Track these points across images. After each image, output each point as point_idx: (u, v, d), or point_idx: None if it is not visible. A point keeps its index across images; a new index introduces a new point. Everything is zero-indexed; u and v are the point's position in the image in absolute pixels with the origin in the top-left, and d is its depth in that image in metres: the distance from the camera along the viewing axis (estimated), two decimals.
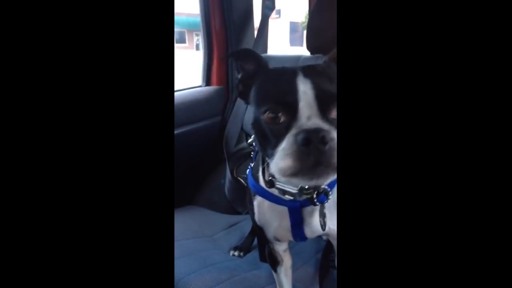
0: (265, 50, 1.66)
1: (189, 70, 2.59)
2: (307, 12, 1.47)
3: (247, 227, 1.23)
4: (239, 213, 1.42)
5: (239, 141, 1.58)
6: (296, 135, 0.52)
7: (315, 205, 0.68)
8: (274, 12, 1.56)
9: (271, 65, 0.65)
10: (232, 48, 1.61)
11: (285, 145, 0.53)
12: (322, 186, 0.68)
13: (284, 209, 0.71)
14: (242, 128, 1.56)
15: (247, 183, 0.85)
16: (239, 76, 0.70)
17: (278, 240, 0.80)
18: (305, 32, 1.26)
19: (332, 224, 0.72)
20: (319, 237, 0.82)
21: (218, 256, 1.09)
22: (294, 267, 0.92)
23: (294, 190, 0.68)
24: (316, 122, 0.54)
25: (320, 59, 1.19)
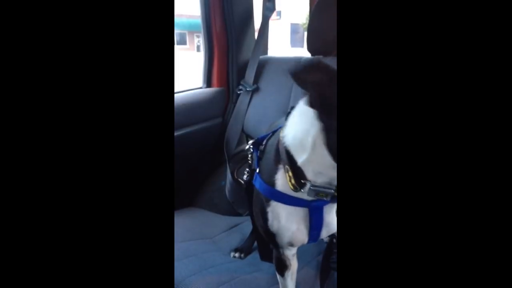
0: (266, 52, 1.66)
1: (190, 71, 2.59)
2: (308, 13, 1.48)
3: (247, 228, 1.23)
4: (239, 215, 1.42)
5: (239, 142, 1.58)
6: None
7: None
8: (274, 13, 1.56)
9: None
10: (232, 50, 1.61)
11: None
12: None
13: (301, 212, 0.71)
14: (242, 130, 1.55)
15: (247, 188, 0.85)
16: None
17: (292, 245, 0.78)
18: (305, 33, 1.25)
19: None
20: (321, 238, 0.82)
21: (219, 258, 1.09)
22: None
23: (331, 189, 0.67)
24: None
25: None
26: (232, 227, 1.31)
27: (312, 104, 0.60)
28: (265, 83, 1.53)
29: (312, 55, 1.27)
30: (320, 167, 0.64)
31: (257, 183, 0.75)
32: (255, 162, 0.81)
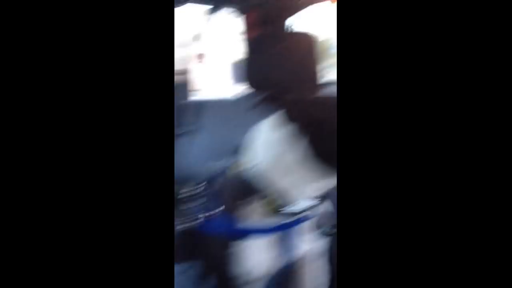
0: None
1: None
2: (245, 49, 1.51)
3: None
4: None
5: None
6: None
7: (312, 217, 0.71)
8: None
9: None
10: None
11: None
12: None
13: (272, 238, 0.71)
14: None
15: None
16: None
17: (261, 278, 0.74)
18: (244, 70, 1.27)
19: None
20: None
21: None
22: None
23: (311, 206, 0.70)
24: None
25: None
26: None
27: (294, 118, 0.62)
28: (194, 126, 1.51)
29: (256, 91, 1.28)
30: (304, 182, 0.64)
31: (222, 226, 0.72)
32: (212, 204, 0.79)
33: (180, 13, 1.58)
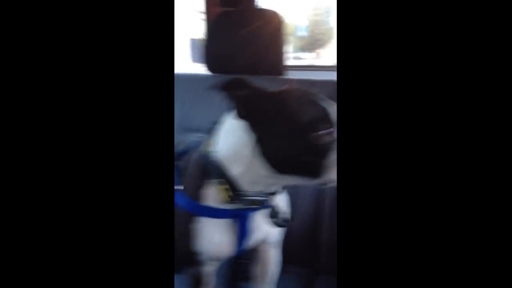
0: None
1: None
2: (205, 28, 1.47)
3: None
4: None
5: None
6: None
7: (266, 207, 0.72)
8: None
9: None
10: None
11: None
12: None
13: (228, 223, 0.71)
14: None
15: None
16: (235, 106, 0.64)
17: (216, 259, 0.77)
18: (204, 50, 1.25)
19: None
20: None
21: None
22: None
23: (265, 198, 0.70)
24: None
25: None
26: None
27: (242, 116, 0.63)
28: None
29: (212, 72, 1.28)
30: (257, 177, 0.66)
31: (181, 201, 0.72)
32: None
33: None
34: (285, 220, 0.74)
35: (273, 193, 0.72)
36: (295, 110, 0.61)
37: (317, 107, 0.62)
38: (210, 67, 1.28)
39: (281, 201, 0.78)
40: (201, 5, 1.52)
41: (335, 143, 0.60)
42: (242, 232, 0.72)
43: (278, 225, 0.74)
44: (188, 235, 0.72)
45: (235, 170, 0.67)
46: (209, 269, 0.80)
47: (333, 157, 0.60)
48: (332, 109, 0.62)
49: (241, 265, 0.94)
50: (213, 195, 0.70)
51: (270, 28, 1.10)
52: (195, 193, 0.71)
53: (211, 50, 1.25)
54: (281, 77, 1.20)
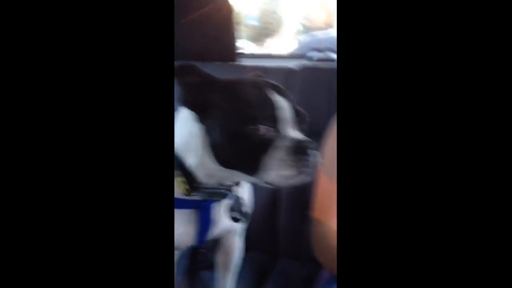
0: None
1: None
2: None
3: None
4: None
5: None
6: (284, 145, 0.58)
7: (227, 199, 0.71)
8: None
9: None
10: None
11: (276, 155, 0.57)
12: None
13: (188, 213, 0.70)
14: None
15: None
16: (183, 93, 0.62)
17: (177, 249, 0.77)
18: None
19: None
20: None
21: None
22: None
23: (222, 189, 0.69)
24: (296, 133, 0.60)
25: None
26: None
27: (189, 106, 0.62)
28: None
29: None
30: (210, 170, 0.64)
31: None
32: None
33: None
34: (245, 215, 0.74)
35: (232, 186, 0.70)
36: (242, 102, 0.59)
37: (266, 101, 0.59)
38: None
39: (244, 193, 0.77)
40: None
41: (274, 141, 0.58)
42: (203, 222, 0.71)
43: (237, 220, 0.73)
44: None
45: (190, 162, 0.65)
46: None
47: (273, 155, 0.58)
48: (283, 104, 0.60)
49: (202, 254, 0.94)
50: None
51: (221, 14, 1.10)
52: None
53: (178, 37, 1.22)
54: (234, 63, 1.19)
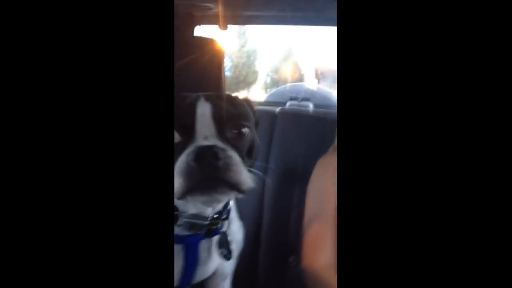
0: None
1: None
2: None
3: None
4: None
5: None
6: (189, 152, 0.54)
7: (213, 235, 0.67)
8: None
9: None
10: None
11: (178, 163, 0.54)
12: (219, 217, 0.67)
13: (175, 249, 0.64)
14: None
15: None
16: None
17: None
18: None
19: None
20: None
21: None
22: None
23: (204, 222, 0.65)
24: (212, 140, 0.56)
25: None
26: None
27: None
28: None
29: None
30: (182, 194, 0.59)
31: None
32: None
33: None
34: (230, 253, 0.69)
35: (215, 217, 0.67)
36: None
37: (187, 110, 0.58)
38: None
39: (233, 228, 0.73)
40: None
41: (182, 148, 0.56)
42: (189, 261, 0.67)
43: (226, 257, 0.69)
44: None
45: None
46: None
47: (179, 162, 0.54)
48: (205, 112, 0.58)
49: None
50: None
51: (209, 55, 1.11)
52: None
53: None
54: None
